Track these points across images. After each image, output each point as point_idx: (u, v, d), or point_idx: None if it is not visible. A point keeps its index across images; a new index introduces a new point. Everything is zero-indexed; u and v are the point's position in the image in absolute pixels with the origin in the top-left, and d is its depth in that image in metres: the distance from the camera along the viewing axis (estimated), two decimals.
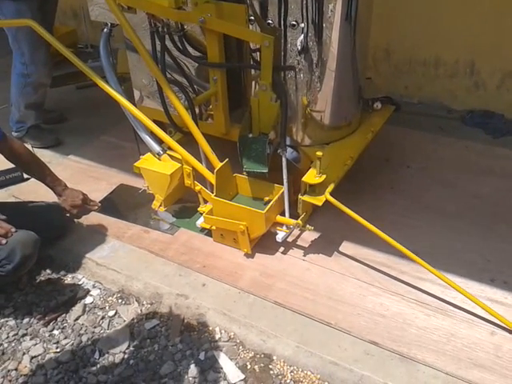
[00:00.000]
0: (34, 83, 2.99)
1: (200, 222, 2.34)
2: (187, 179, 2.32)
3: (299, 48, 2.07)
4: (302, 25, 2.02)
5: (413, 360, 1.76)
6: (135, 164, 2.35)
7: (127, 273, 2.22)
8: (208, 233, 2.36)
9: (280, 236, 2.19)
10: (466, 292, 1.88)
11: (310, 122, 2.30)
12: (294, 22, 2.03)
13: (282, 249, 2.26)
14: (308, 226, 2.14)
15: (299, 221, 2.14)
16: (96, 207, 2.41)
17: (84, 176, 2.81)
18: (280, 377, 1.81)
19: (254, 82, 2.30)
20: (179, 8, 2.09)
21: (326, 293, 2.04)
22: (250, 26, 2.11)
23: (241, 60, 2.34)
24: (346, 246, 2.25)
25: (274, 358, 1.87)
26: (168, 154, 2.33)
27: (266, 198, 2.28)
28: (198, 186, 2.32)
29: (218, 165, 2.20)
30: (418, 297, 1.99)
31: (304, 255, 2.23)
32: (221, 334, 1.97)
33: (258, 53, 2.14)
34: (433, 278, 2.04)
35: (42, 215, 2.32)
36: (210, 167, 2.26)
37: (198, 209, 2.42)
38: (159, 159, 2.34)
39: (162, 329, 2.02)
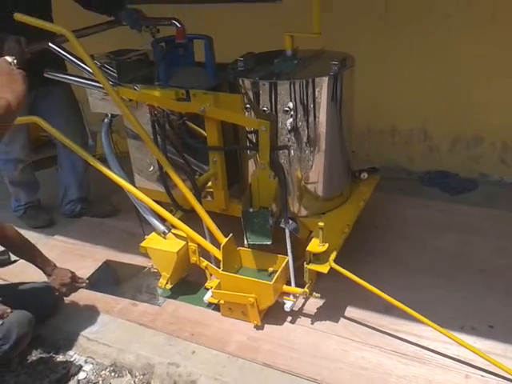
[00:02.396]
0: (13, 160, 3.14)
1: (207, 297, 2.41)
2: (193, 256, 2.41)
3: (289, 128, 2.29)
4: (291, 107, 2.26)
5: None
6: (141, 244, 2.44)
7: (118, 346, 2.30)
8: (215, 307, 2.41)
9: (288, 305, 2.27)
10: (463, 342, 2.03)
11: (306, 194, 2.50)
12: (286, 108, 2.27)
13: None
14: (314, 293, 2.23)
15: (306, 289, 2.23)
16: (84, 284, 2.51)
17: (70, 255, 2.92)
18: None
19: (250, 161, 2.51)
20: (179, 99, 2.32)
21: (311, 351, 2.16)
22: (246, 113, 2.34)
23: (237, 141, 2.56)
24: (325, 306, 2.39)
25: None
26: (172, 233, 2.44)
27: (270, 269, 2.38)
28: (205, 262, 2.41)
29: (224, 240, 2.33)
30: (396, 347, 2.14)
31: (283, 316, 2.34)
32: None
33: (252, 135, 2.37)
34: (407, 329, 2.21)
35: (33, 295, 2.41)
36: (214, 243, 2.39)
37: (206, 284, 2.47)
38: (164, 238, 2.44)
39: None
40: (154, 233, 2.49)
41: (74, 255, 2.93)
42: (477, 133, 3.37)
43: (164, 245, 2.42)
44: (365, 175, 2.77)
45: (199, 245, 2.39)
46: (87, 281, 2.54)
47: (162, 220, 2.47)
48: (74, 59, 2.48)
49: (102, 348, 2.32)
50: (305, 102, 2.28)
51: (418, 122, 3.51)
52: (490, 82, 3.17)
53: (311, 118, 2.33)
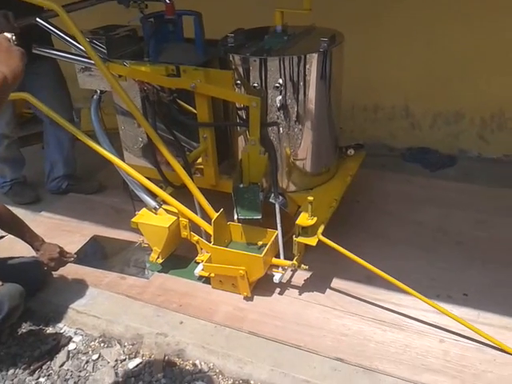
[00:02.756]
0: None
1: (198, 271, 2.46)
2: (184, 231, 2.45)
3: (279, 104, 2.33)
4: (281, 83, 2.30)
5: (374, 371, 1.98)
6: (132, 220, 2.47)
7: (107, 317, 2.36)
8: (206, 280, 2.48)
9: (277, 277, 2.33)
10: (440, 307, 2.12)
11: (294, 170, 2.56)
12: (277, 84, 2.30)
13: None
14: (303, 265, 2.31)
15: (295, 261, 2.29)
16: (72, 259, 2.55)
17: (58, 231, 2.95)
18: None
19: (240, 137, 2.54)
20: (169, 75, 2.34)
21: (294, 319, 2.24)
22: (237, 89, 2.37)
23: (227, 118, 2.59)
24: (309, 277, 2.47)
25: (252, 382, 2.04)
26: (163, 208, 2.48)
27: (260, 243, 2.44)
28: (196, 237, 2.46)
29: (214, 215, 2.38)
30: (375, 315, 2.23)
31: (270, 287, 2.42)
32: (201, 365, 2.13)
33: (243, 111, 2.40)
34: (387, 298, 2.31)
35: (21, 270, 2.45)
36: (205, 218, 2.44)
37: (196, 258, 2.53)
38: (155, 213, 2.48)
39: (144, 367, 2.16)
40: (144, 208, 2.52)
41: (61, 231, 2.96)
42: (457, 109, 3.45)
43: (155, 220, 2.45)
44: (351, 151, 2.83)
45: (190, 220, 2.43)
46: (75, 255, 2.59)
47: (153, 196, 2.50)
48: (62, 35, 2.47)
49: (91, 320, 2.38)
50: (295, 78, 2.32)
51: (400, 99, 3.57)
52: (470, 61, 3.23)
53: (301, 95, 2.36)
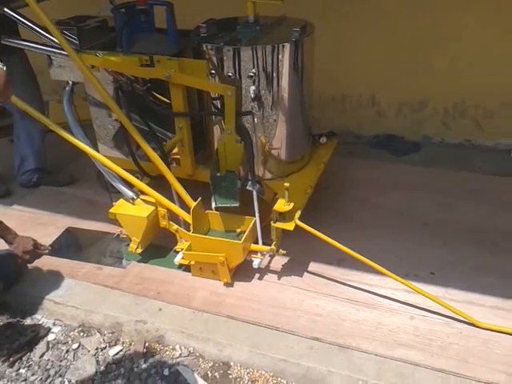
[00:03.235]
0: None
1: (178, 259, 2.48)
2: (162, 220, 2.48)
3: (252, 96, 2.38)
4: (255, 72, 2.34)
5: (349, 348, 2.07)
6: (110, 210, 2.48)
7: (86, 307, 2.37)
8: (186, 269, 2.51)
9: (256, 262, 2.40)
10: (410, 284, 2.22)
11: (270, 158, 2.62)
12: (251, 74, 2.35)
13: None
14: (281, 250, 2.37)
15: (273, 246, 2.35)
16: (47, 251, 2.54)
17: (31, 224, 2.93)
18: (238, 379, 2.05)
19: (215, 127, 2.57)
20: (142, 66, 2.35)
21: (270, 302, 2.32)
22: (211, 79, 2.39)
23: (202, 108, 2.61)
24: (283, 261, 2.55)
25: (231, 364, 2.11)
26: (141, 199, 2.49)
27: (238, 230, 2.50)
28: (174, 226, 2.48)
29: (193, 204, 2.40)
30: (348, 295, 2.33)
31: (247, 273, 2.48)
32: (181, 350, 2.18)
33: (217, 100, 2.43)
34: (358, 279, 2.41)
35: None
36: (183, 207, 2.47)
37: (176, 247, 2.55)
38: (133, 204, 2.49)
39: (125, 354, 2.20)
40: (122, 199, 2.53)
41: (35, 224, 2.94)
42: (421, 98, 3.58)
43: (133, 210, 2.47)
44: (324, 139, 2.91)
45: (168, 209, 2.46)
46: (50, 247, 2.58)
47: (130, 186, 2.51)
48: (32, 25, 2.44)
49: (70, 310, 2.39)
50: (268, 67, 2.37)
51: (366, 89, 3.67)
52: (433, 51, 3.35)
53: (274, 84, 2.42)
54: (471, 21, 3.20)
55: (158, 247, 2.65)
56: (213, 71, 2.39)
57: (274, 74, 2.39)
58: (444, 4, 3.20)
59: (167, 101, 2.53)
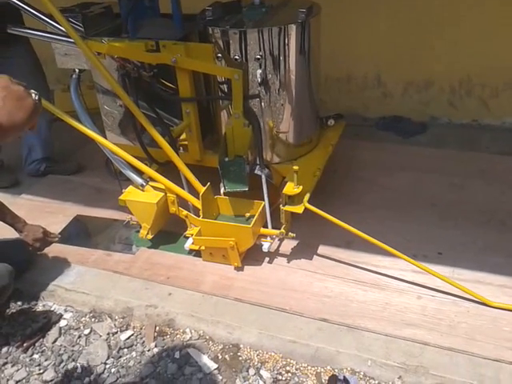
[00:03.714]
0: None
1: (188, 245, 2.49)
2: (172, 206, 2.48)
3: (259, 80, 2.36)
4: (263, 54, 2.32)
5: (357, 329, 2.09)
6: (120, 197, 2.48)
7: (97, 293, 2.41)
8: (196, 254, 2.53)
9: (266, 246, 2.41)
10: (419, 264, 2.21)
11: (278, 142, 2.60)
12: (258, 56, 2.32)
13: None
14: (290, 233, 2.37)
15: (283, 230, 2.36)
16: (56, 238, 2.57)
17: (40, 212, 2.96)
18: (248, 361, 2.08)
19: (222, 111, 2.56)
20: (148, 51, 2.34)
21: (279, 284, 2.33)
22: (218, 62, 2.38)
23: (208, 92, 2.60)
24: (292, 244, 2.56)
25: (241, 346, 2.13)
26: (150, 185, 2.50)
27: (247, 214, 2.50)
28: (184, 212, 2.49)
29: (202, 189, 2.41)
30: (356, 277, 2.34)
31: (255, 256, 2.50)
32: (191, 333, 2.21)
33: (224, 84, 2.41)
34: (366, 261, 2.42)
35: (6, 251, 2.45)
36: (192, 193, 2.47)
37: (186, 233, 2.56)
38: (142, 190, 2.50)
39: (136, 338, 2.23)
40: (131, 186, 2.54)
41: (43, 212, 2.97)
42: (427, 78, 3.54)
43: (143, 197, 2.48)
44: (331, 122, 2.88)
45: (178, 195, 2.46)
46: (59, 235, 2.61)
47: (139, 173, 2.51)
48: (37, 13, 2.43)
49: (81, 296, 2.42)
50: (275, 49, 2.34)
51: (371, 70, 3.64)
52: (438, 29, 3.31)
53: (281, 66, 2.39)
54: (477, 1, 3.15)
55: (168, 233, 2.67)
56: (219, 55, 2.37)
57: (281, 57, 2.37)
58: None
59: (173, 86, 2.52)
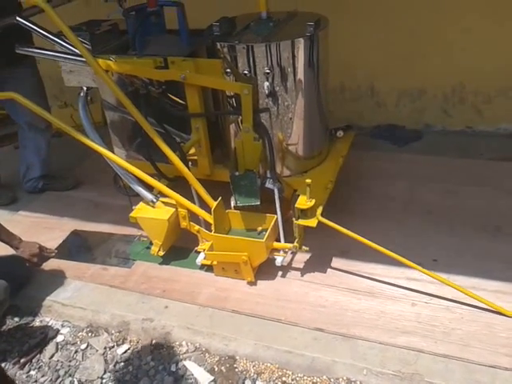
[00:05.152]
0: None
1: (200, 260, 2.49)
2: (183, 221, 2.46)
3: (269, 91, 2.36)
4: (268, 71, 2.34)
5: (352, 338, 2.09)
6: (131, 215, 2.48)
7: (93, 308, 2.42)
8: (208, 269, 2.51)
9: (279, 260, 2.38)
10: (420, 268, 2.22)
11: (288, 155, 2.60)
12: (267, 71, 2.33)
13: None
14: (304, 247, 2.34)
15: (296, 244, 2.33)
16: (53, 254, 2.59)
17: (37, 228, 2.98)
18: (244, 372, 2.08)
19: (231, 125, 2.56)
20: (157, 68, 2.36)
21: (274, 295, 2.34)
22: (227, 77, 2.38)
23: (217, 107, 2.61)
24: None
25: (237, 357, 2.13)
26: (160, 201, 2.49)
27: (259, 228, 2.47)
28: (196, 227, 2.47)
29: (213, 204, 2.40)
30: (350, 285, 2.34)
31: (276, 271, 2.47)
32: (187, 346, 2.21)
33: (233, 99, 2.41)
34: (360, 269, 2.42)
35: (4, 267, 2.48)
36: (203, 208, 2.46)
37: (197, 248, 2.55)
38: (153, 206, 2.50)
39: (133, 352, 2.24)
40: (141, 203, 2.53)
41: (41, 228, 2.99)
42: (420, 86, 3.56)
43: (154, 213, 2.47)
44: (341, 133, 2.88)
45: (189, 210, 2.44)
46: (56, 251, 2.62)
47: (149, 189, 2.50)
48: (45, 33, 2.45)
49: (78, 311, 2.43)
50: (284, 63, 2.35)
51: (365, 79, 3.67)
52: (429, 37, 3.34)
53: (290, 79, 2.40)
54: (467, 8, 3.18)
55: (180, 248, 2.65)
56: (228, 70, 2.36)
57: (290, 70, 2.37)
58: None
59: (182, 102, 2.52)
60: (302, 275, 2.44)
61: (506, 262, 2.37)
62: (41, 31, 2.48)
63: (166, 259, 2.62)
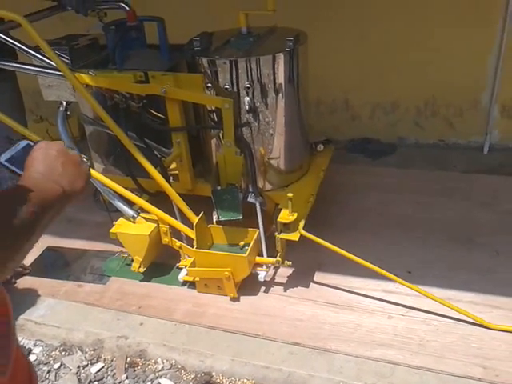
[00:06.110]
0: None
1: (182, 276, 2.47)
2: (165, 237, 2.43)
3: (250, 106, 2.37)
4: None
5: (329, 351, 2.10)
6: (111, 230, 2.43)
7: (67, 326, 2.37)
8: (190, 285, 2.48)
9: (262, 275, 2.37)
10: (403, 281, 2.24)
11: (270, 169, 2.61)
12: (248, 85, 2.34)
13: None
14: (286, 261, 2.34)
15: (279, 258, 2.32)
16: (27, 271, 2.55)
17: None
18: None
19: (213, 140, 2.55)
20: (137, 82, 2.34)
21: (252, 310, 2.33)
22: (208, 92, 2.38)
23: (198, 121, 2.60)
24: None
25: (214, 373, 2.11)
26: (141, 216, 2.45)
27: (242, 243, 2.46)
28: (178, 243, 2.45)
29: (195, 219, 2.37)
30: (327, 299, 2.35)
31: (259, 287, 2.45)
32: (163, 363, 2.18)
33: (214, 113, 2.40)
34: (337, 282, 2.43)
35: None
36: (184, 223, 2.43)
37: (179, 264, 2.52)
38: (134, 222, 2.45)
39: (107, 370, 2.20)
40: (122, 218, 2.49)
41: None
42: (393, 99, 3.63)
43: (135, 229, 2.43)
44: (321, 147, 2.90)
45: (171, 226, 2.42)
46: (30, 268, 2.58)
47: (130, 204, 2.47)
48: (23, 47, 2.42)
49: (51, 330, 2.38)
50: (265, 78, 2.37)
51: (339, 93, 3.72)
52: (402, 52, 3.41)
53: (271, 94, 2.41)
54: (438, 22, 3.26)
55: (161, 265, 2.61)
56: (209, 84, 2.37)
57: (271, 85, 2.39)
58: (412, 7, 3.26)
59: (163, 116, 2.50)
60: (280, 289, 2.44)
61: (479, 273, 2.41)
62: (19, 45, 2.46)
63: (147, 276, 2.58)
